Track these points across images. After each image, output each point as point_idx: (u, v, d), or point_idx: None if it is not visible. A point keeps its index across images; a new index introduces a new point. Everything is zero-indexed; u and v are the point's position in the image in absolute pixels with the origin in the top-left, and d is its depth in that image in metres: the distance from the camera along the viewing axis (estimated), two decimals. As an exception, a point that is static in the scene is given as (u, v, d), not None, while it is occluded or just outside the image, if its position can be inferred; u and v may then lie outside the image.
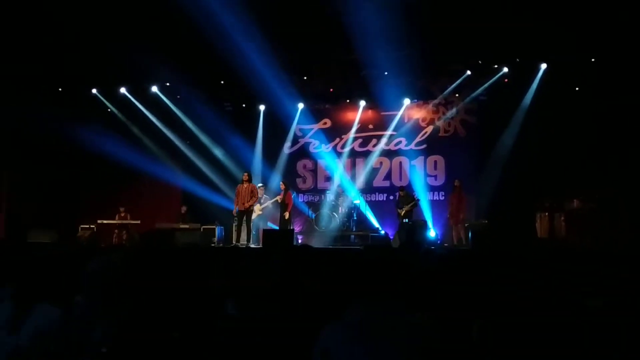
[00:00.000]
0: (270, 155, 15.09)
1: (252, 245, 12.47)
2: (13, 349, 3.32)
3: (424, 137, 14.51)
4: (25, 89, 13.09)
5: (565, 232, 11.42)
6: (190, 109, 14.72)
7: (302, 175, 15.23)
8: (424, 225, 13.26)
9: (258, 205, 13.34)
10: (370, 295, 2.83)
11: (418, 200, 13.34)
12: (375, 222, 14.24)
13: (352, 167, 14.89)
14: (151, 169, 14.57)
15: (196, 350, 3.58)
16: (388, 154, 14.71)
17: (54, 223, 12.73)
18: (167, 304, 3.79)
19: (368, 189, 14.72)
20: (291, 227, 13.38)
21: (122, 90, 14.63)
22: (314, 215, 14.51)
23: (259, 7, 10.48)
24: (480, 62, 13.28)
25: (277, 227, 13.37)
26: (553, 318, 2.96)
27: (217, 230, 13.75)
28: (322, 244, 13.19)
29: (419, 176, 14.43)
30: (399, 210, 13.17)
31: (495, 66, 13.29)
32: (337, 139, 14.93)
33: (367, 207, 14.43)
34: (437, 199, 14.23)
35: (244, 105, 14.92)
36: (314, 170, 15.20)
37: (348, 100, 14.73)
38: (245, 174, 13.03)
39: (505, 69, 13.25)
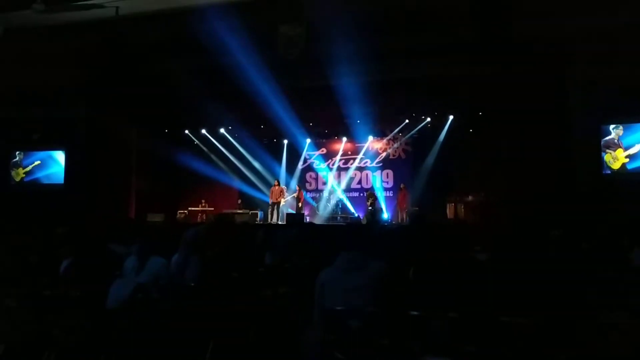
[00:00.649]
0: (290, 169, 14.95)
1: (280, 222, 12.46)
2: (138, 284, 3.31)
3: (381, 159, 14.41)
4: (150, 129, 13.15)
5: (464, 215, 11.42)
6: (244, 142, 14.63)
7: (309, 181, 15.11)
8: (380, 211, 13.24)
9: (283, 199, 13.35)
10: (349, 250, 2.83)
11: (376, 195, 13.38)
12: (352, 209, 14.16)
13: (338, 176, 14.78)
14: (220, 178, 14.58)
15: (247, 285, 3.57)
16: (360, 169, 14.58)
17: (162, 210, 12.73)
18: (230, 257, 3.79)
19: (348, 190, 14.60)
20: (302, 212, 13.38)
21: (203, 131, 14.59)
22: (316, 205, 14.51)
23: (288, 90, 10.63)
24: (414, 115, 13.27)
25: (294, 212, 13.37)
26: (456, 265, 2.94)
27: (260, 213, 13.74)
28: (321, 222, 13.20)
29: (378, 182, 14.33)
30: (367, 202, 13.17)
31: (423, 117, 13.28)
32: (330, 160, 14.82)
33: (347, 200, 14.34)
34: (389, 195, 14.15)
35: (274, 140, 14.80)
36: (316, 179, 15.07)
37: (336, 137, 14.62)
38: (276, 181, 13.33)
39: (429, 119, 13.24)
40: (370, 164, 14.45)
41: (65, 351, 2.91)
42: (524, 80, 9.43)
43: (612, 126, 8.94)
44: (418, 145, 13.81)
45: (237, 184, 14.87)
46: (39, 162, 11.77)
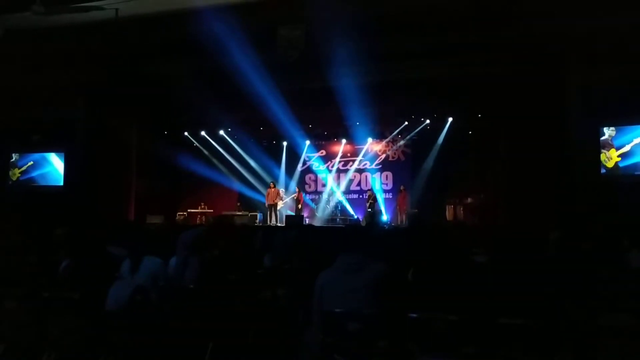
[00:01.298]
0: (290, 171, 14.96)
1: (279, 224, 12.44)
2: (137, 286, 3.30)
3: (380, 161, 14.43)
4: (150, 131, 13.19)
5: (463, 216, 11.42)
6: (243, 144, 14.64)
7: (308, 183, 15.11)
8: (380, 212, 13.24)
9: (281, 201, 13.35)
10: (348, 252, 2.83)
11: (376, 197, 13.37)
12: (351, 211, 14.15)
13: (338, 178, 14.77)
14: (219, 180, 14.58)
15: (246, 286, 3.55)
16: (359, 170, 14.59)
17: (162, 211, 12.72)
18: (229, 259, 3.78)
19: (347, 192, 14.60)
20: (302, 214, 13.37)
21: (203, 132, 14.59)
22: (315, 207, 14.50)
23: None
24: (413, 116, 13.28)
25: (294, 214, 13.36)
26: (455, 267, 2.93)
27: (259, 215, 13.73)
28: (320, 224, 13.19)
29: (378, 184, 14.32)
30: (367, 203, 13.18)
31: (422, 119, 13.28)
32: (329, 162, 14.82)
33: (347, 202, 14.34)
34: (388, 197, 14.14)
35: (274, 142, 14.80)
36: (315, 180, 15.07)
37: (335, 139, 14.62)
38: (272, 183, 13.45)
39: (428, 121, 13.24)
40: (370, 165, 14.45)
41: (65, 352, 2.90)
42: (523, 82, 9.44)
43: (605, 128, 9.09)
44: (417, 147, 13.81)
45: (237, 185, 14.86)
46: (31, 162, 12.00)
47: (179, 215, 13.77)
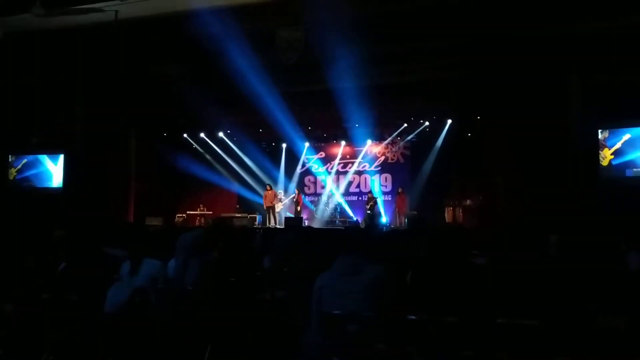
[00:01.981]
0: (289, 173, 14.96)
1: (278, 226, 12.44)
2: (136, 288, 3.29)
3: (379, 163, 14.43)
4: (149, 133, 13.17)
5: (462, 219, 11.42)
6: (242, 146, 14.62)
7: (307, 185, 15.11)
8: (379, 214, 13.23)
9: (279, 203, 13.36)
10: (347, 254, 2.83)
11: (376, 199, 13.36)
12: (350, 213, 14.15)
13: (337, 180, 14.77)
14: (219, 181, 14.58)
15: (245, 288, 3.55)
16: (358, 172, 14.59)
17: (161, 213, 12.71)
18: (228, 261, 3.77)
19: (346, 193, 14.59)
20: (301, 216, 13.37)
21: (202, 134, 14.58)
22: (314, 209, 14.50)
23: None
24: (412, 118, 13.29)
25: (293, 215, 13.36)
26: (454, 269, 2.92)
27: (258, 217, 13.72)
28: (320, 226, 13.19)
29: (377, 186, 14.32)
30: (366, 206, 13.18)
31: (421, 121, 13.29)
32: (328, 164, 14.82)
33: (346, 204, 14.34)
34: (387, 199, 14.15)
35: (273, 144, 14.82)
36: (315, 182, 15.06)
37: (335, 141, 14.61)
38: (268, 185, 13.63)
39: (427, 123, 13.24)
40: (369, 167, 14.45)
41: (63, 355, 2.90)
42: (522, 84, 9.45)
43: (600, 130, 9.56)
44: (416, 149, 13.81)
45: (236, 187, 14.86)
46: (25, 161, 12.31)
47: (178, 217, 13.76)
